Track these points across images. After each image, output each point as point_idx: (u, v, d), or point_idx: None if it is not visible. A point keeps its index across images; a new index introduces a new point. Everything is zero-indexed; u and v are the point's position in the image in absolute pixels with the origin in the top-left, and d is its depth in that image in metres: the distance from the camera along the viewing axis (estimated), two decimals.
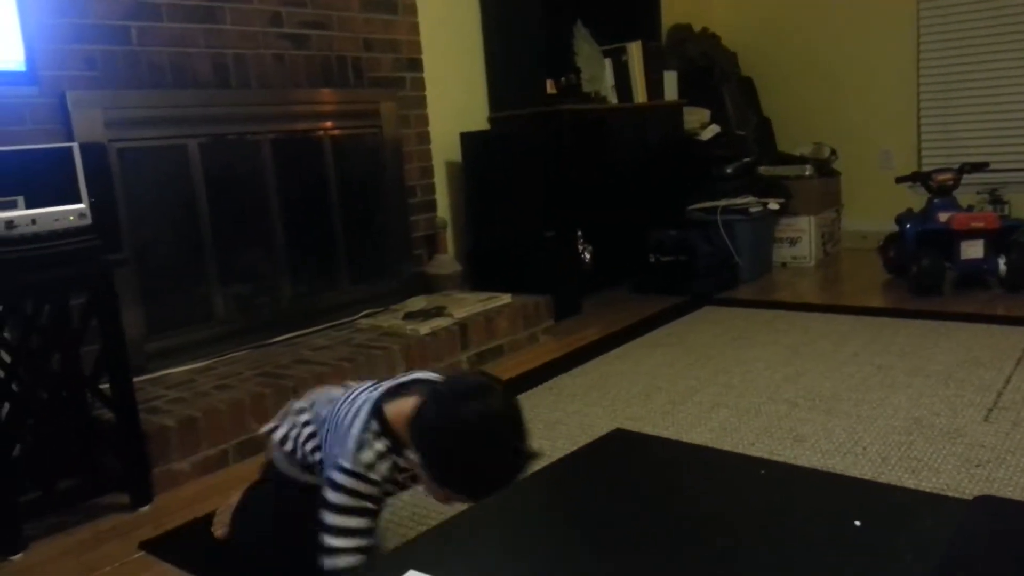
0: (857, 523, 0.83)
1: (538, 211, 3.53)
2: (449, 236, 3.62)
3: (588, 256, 3.76)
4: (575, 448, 2.05)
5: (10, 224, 1.76)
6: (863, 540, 0.81)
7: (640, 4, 4.33)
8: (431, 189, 3.48)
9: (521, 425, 1.32)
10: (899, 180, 3.84)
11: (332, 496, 1.37)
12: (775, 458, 1.93)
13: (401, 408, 1.37)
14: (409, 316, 2.94)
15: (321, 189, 3.07)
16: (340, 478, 1.36)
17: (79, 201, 1.88)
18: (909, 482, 1.76)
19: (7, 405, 1.88)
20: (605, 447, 1.31)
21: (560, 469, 1.27)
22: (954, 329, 2.88)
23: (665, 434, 2.13)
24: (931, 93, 4.63)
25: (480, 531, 0.95)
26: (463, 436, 1.27)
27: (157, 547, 1.77)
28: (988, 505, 0.93)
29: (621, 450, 1.25)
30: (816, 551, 0.81)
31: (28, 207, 1.79)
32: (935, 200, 3.60)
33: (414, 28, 3.34)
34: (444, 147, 3.58)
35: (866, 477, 1.79)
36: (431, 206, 3.48)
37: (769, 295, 3.75)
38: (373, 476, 1.36)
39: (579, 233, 3.70)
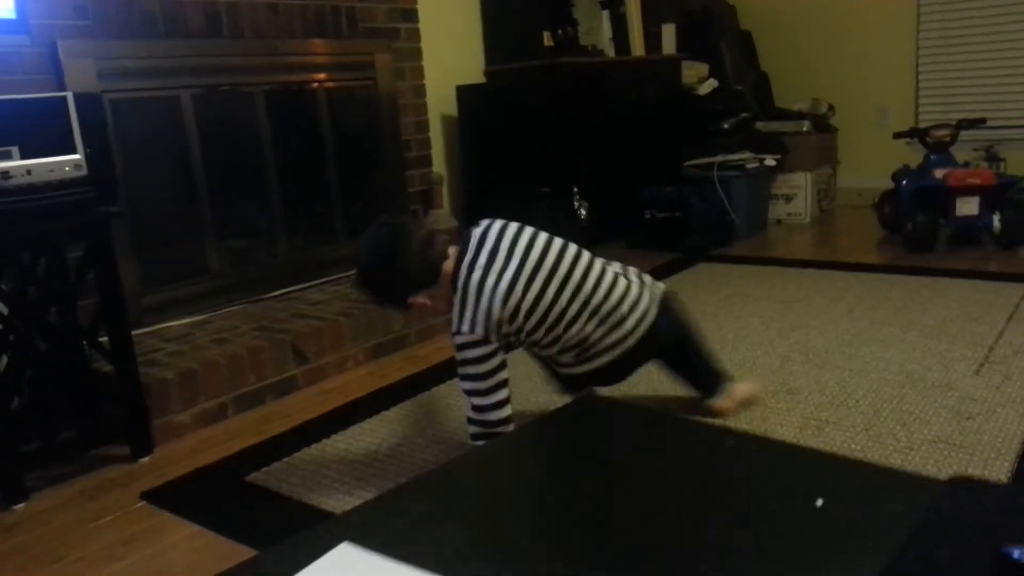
0: (819, 502, 0.78)
1: (534, 166, 3.51)
2: (445, 191, 3.61)
3: (584, 212, 3.75)
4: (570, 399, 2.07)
5: (5, 175, 1.75)
6: (823, 520, 0.77)
7: None
8: (427, 144, 3.45)
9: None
10: (896, 136, 3.83)
11: None
12: (768, 411, 1.96)
13: None
14: None
15: (316, 142, 3.04)
16: None
17: (74, 152, 1.86)
18: (901, 434, 1.79)
19: (5, 357, 1.89)
20: (569, 414, 1.29)
21: (517, 438, 1.27)
22: (948, 285, 2.90)
23: (660, 388, 2.15)
24: (929, 49, 4.59)
25: (421, 501, 0.89)
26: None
27: (158, 497, 1.79)
28: (962, 487, 0.89)
29: (585, 418, 1.23)
30: (771, 530, 0.77)
31: (23, 158, 1.77)
32: (931, 156, 3.59)
33: None
34: (440, 101, 3.55)
35: (858, 430, 1.82)
36: (427, 161, 3.46)
37: (764, 251, 3.75)
38: None
39: (575, 189, 3.69)
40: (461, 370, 1.69)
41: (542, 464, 1.07)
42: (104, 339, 1.98)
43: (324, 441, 1.99)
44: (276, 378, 2.35)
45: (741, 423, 1.90)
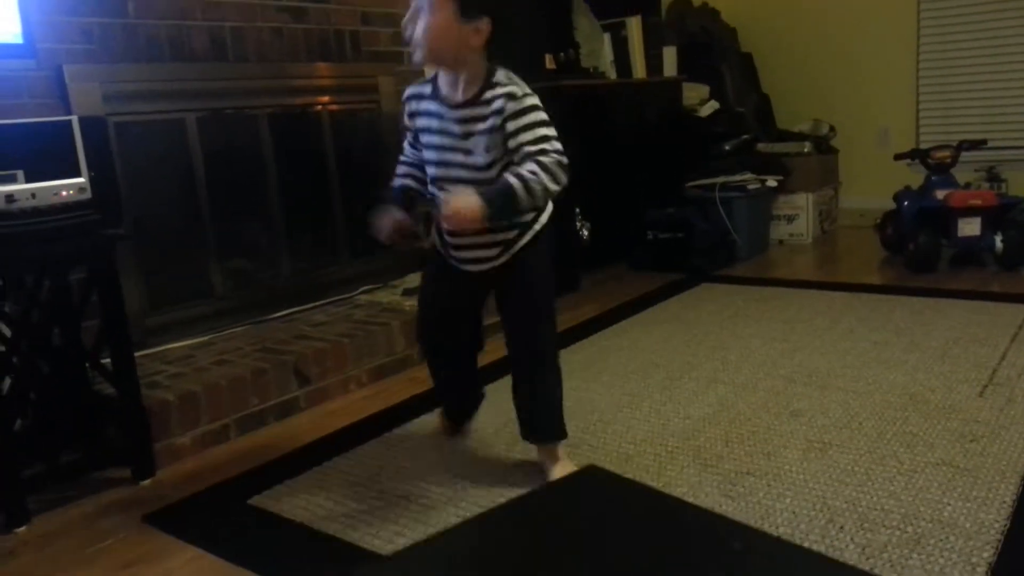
0: None
1: None
2: None
3: (586, 233, 3.76)
4: (573, 422, 2.07)
5: (10, 198, 1.76)
6: None
7: None
8: None
9: None
10: (897, 157, 3.84)
11: None
12: (771, 433, 1.95)
13: None
14: (408, 292, 2.95)
15: (319, 164, 3.06)
16: None
17: (79, 175, 1.87)
18: (904, 456, 1.78)
19: (8, 379, 1.89)
20: (574, 488, 1.24)
21: (517, 509, 1.22)
22: (950, 306, 2.89)
23: (663, 410, 2.15)
24: (930, 71, 4.62)
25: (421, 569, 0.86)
26: None
27: (159, 520, 1.79)
28: None
29: (589, 494, 1.17)
30: None
31: (28, 181, 1.79)
32: (933, 177, 3.60)
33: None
34: None
35: (862, 452, 1.82)
36: None
37: (766, 272, 3.76)
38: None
39: (577, 210, 3.70)
40: (544, 131, 1.59)
41: (539, 544, 1.04)
42: (107, 361, 1.98)
43: (326, 463, 1.99)
44: (278, 399, 2.35)
45: (744, 445, 1.90)
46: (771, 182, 4.10)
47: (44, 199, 1.81)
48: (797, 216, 4.30)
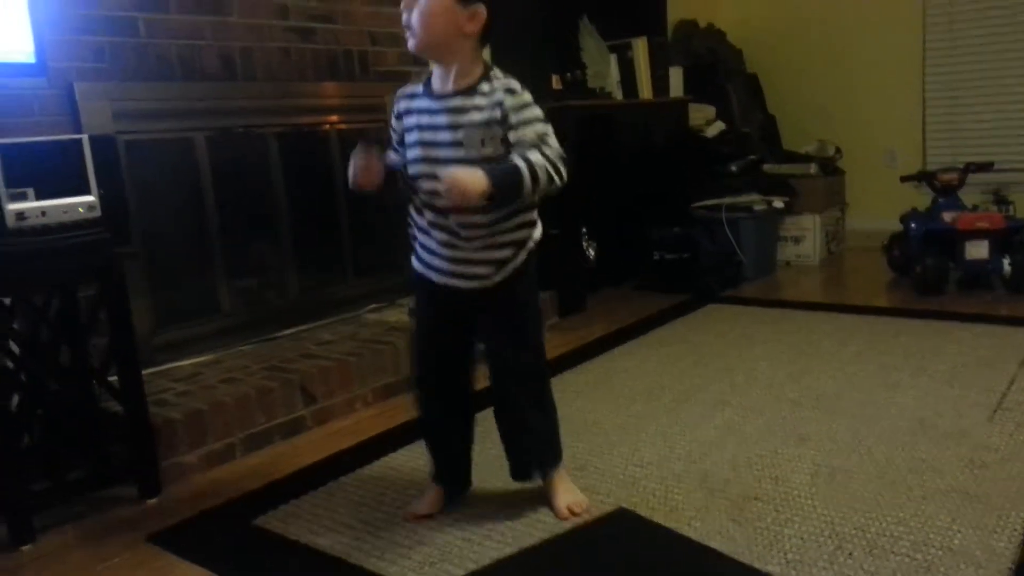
0: None
1: (543, 207, 3.52)
2: None
3: (592, 253, 3.77)
4: (579, 444, 2.06)
5: (20, 216, 1.77)
6: None
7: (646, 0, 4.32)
8: None
9: None
10: (904, 179, 3.85)
11: None
12: (779, 457, 1.94)
13: None
14: (413, 311, 2.94)
15: (327, 182, 3.07)
16: None
17: (88, 193, 1.88)
18: (914, 482, 1.77)
19: (16, 396, 1.89)
20: (605, 534, 1.21)
21: (546, 553, 1.18)
22: (958, 329, 2.88)
23: (670, 432, 2.14)
24: (937, 92, 4.63)
25: None
26: None
27: (164, 539, 1.78)
28: None
29: (620, 540, 1.12)
30: None
31: (38, 199, 1.79)
32: (940, 200, 3.60)
33: None
34: None
35: (871, 477, 1.80)
36: None
37: (773, 294, 3.75)
38: None
39: (583, 230, 3.70)
40: (544, 128, 1.57)
41: None
42: (114, 378, 1.98)
43: (331, 483, 1.98)
44: (284, 418, 2.34)
45: (751, 470, 1.88)
46: (777, 203, 4.10)
47: (54, 217, 1.82)
48: (804, 237, 4.30)
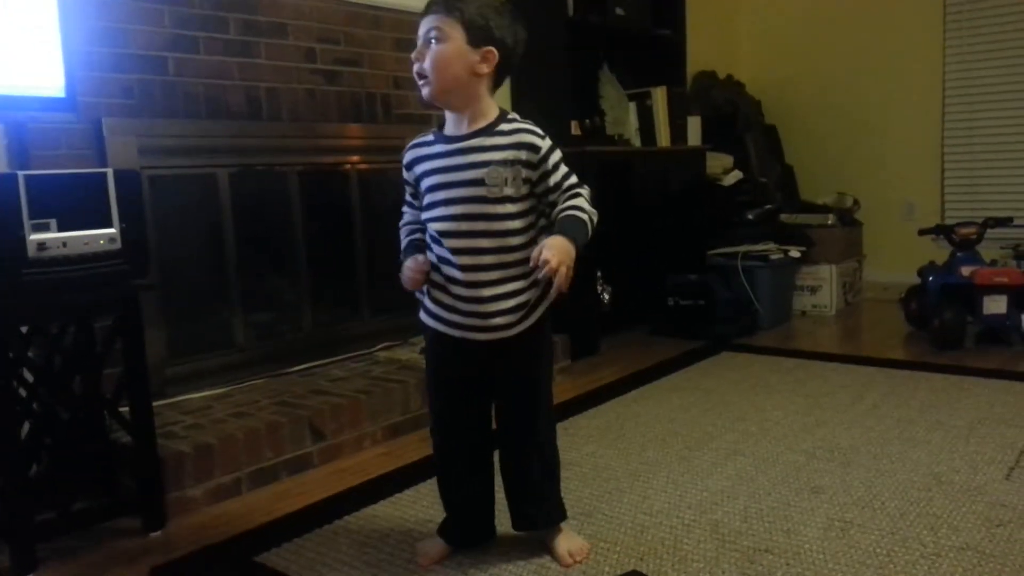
0: None
1: None
2: None
3: (607, 297, 3.76)
4: (587, 489, 2.04)
5: (42, 246, 1.79)
6: None
7: (666, 50, 4.37)
8: None
9: None
10: (922, 232, 3.83)
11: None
12: (791, 509, 1.91)
13: None
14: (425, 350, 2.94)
15: (346, 221, 3.10)
16: None
17: (110, 226, 1.91)
18: (928, 539, 1.73)
19: (27, 424, 1.90)
20: None
21: None
22: (975, 385, 2.84)
23: (681, 480, 2.11)
24: (955, 146, 4.64)
25: None
26: None
27: (166, 573, 1.77)
28: None
29: None
30: None
31: (60, 230, 1.82)
32: (958, 254, 3.58)
33: None
34: None
35: (884, 532, 1.77)
36: None
37: (788, 343, 3.72)
38: None
39: (598, 273, 3.71)
40: (570, 175, 1.61)
41: None
42: (125, 409, 1.99)
43: (336, 522, 1.97)
44: (292, 454, 2.34)
45: (763, 521, 1.85)
46: (794, 252, 4.10)
47: (75, 248, 1.85)
48: (820, 287, 4.28)
